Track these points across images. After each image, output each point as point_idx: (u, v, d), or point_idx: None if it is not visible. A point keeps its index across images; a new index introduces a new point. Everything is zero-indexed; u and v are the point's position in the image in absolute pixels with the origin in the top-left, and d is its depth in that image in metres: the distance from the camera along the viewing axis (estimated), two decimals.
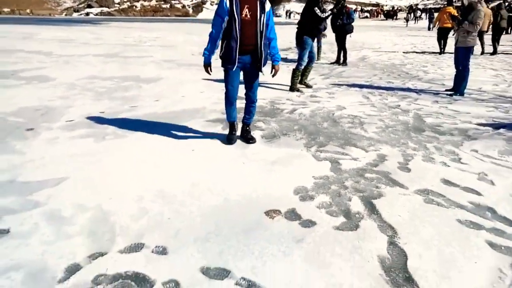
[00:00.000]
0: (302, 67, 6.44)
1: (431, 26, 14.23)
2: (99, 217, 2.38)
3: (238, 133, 3.91)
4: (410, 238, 2.19)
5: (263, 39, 3.40)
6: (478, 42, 8.38)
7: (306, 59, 6.42)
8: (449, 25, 11.44)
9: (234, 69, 3.47)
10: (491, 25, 12.53)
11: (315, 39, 8.16)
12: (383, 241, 2.16)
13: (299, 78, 6.54)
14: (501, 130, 4.33)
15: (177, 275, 1.85)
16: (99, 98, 5.78)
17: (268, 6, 3.40)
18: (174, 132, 4.16)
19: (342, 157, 3.47)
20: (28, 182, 2.87)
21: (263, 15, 3.33)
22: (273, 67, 3.65)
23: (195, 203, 2.58)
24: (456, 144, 3.83)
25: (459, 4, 9.60)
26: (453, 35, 6.95)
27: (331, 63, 10.10)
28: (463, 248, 2.11)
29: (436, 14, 19.10)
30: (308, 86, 6.78)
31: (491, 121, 4.73)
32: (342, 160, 3.38)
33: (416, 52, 13.23)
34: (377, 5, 76.57)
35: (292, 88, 6.46)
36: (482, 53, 12.50)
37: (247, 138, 3.82)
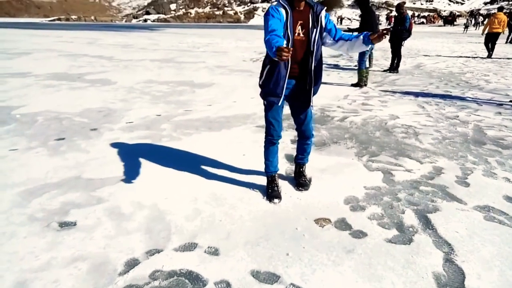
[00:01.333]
0: (364, 66, 7.38)
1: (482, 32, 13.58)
2: (155, 216, 2.51)
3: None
4: (469, 257, 2.09)
5: (314, 62, 2.57)
6: None
7: (365, 59, 7.43)
8: (499, 30, 11.77)
9: (278, 104, 2.68)
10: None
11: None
12: (439, 258, 2.08)
13: (366, 74, 7.48)
14: None
15: (228, 276, 1.90)
16: (155, 101, 6.07)
17: (323, 15, 2.56)
18: (226, 136, 4.27)
19: (395, 168, 3.37)
20: (92, 179, 3.09)
21: (315, 30, 2.52)
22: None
23: (246, 208, 2.64)
24: None
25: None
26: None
27: (384, 71, 9.84)
28: None
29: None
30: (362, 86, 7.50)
31: None
32: (395, 171, 3.28)
33: (477, 59, 12.49)
34: (434, 10, 73.27)
35: (358, 84, 7.47)
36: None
37: (300, 182, 3.01)
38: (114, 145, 3.96)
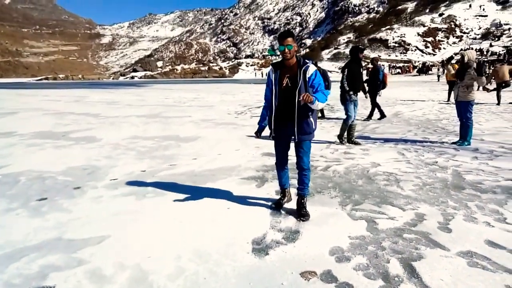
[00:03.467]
0: (350, 121, 6.76)
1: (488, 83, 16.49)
2: (138, 277, 2.45)
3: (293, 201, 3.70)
4: None
5: (300, 109, 3.20)
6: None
7: (352, 113, 6.74)
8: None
9: (276, 139, 3.51)
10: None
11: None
12: None
13: (347, 131, 6.90)
14: None
15: None
16: (140, 157, 6.10)
17: (311, 71, 3.20)
18: (210, 190, 4.28)
19: (378, 216, 3.41)
20: (73, 239, 3.03)
21: (300, 82, 3.18)
22: (304, 94, 3.05)
23: (230, 264, 2.60)
24: (500, 203, 3.67)
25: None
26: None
27: (364, 120, 10.20)
28: None
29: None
30: (356, 144, 6.84)
31: None
32: (378, 220, 3.32)
33: (452, 106, 13.05)
34: (408, 61, 77.36)
35: (340, 139, 6.94)
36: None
37: (300, 213, 3.42)
38: (97, 203, 3.92)
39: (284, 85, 3.26)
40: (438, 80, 35.98)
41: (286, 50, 3.18)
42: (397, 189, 4.19)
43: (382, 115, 10.24)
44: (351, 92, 6.62)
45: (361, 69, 7.05)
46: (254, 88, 32.09)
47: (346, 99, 6.74)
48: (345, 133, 6.91)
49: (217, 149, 6.59)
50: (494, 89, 14.05)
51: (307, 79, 3.21)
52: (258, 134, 3.63)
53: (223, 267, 2.55)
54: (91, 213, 3.62)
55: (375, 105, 10.31)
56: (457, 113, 6.95)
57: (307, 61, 3.32)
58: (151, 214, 3.57)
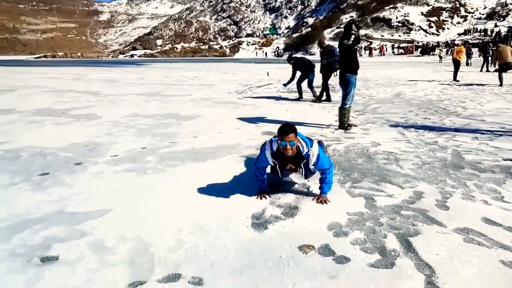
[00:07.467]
0: (348, 105, 6.25)
1: (490, 65, 17.34)
2: (139, 248, 2.49)
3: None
4: (449, 279, 2.12)
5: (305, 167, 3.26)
6: None
7: (351, 97, 6.24)
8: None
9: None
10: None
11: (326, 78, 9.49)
12: (420, 281, 2.11)
13: (348, 114, 6.36)
14: None
15: None
16: (141, 134, 6.11)
17: (313, 159, 3.16)
18: (210, 167, 4.31)
19: (377, 193, 3.44)
20: (75, 213, 3.07)
21: (303, 170, 3.28)
22: (318, 196, 3.28)
23: (230, 237, 2.65)
24: (498, 182, 3.69)
25: None
26: None
27: (313, 101, 9.97)
28: None
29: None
30: (354, 125, 6.55)
31: None
32: (377, 197, 3.35)
33: (454, 87, 12.98)
34: (411, 41, 76.37)
35: (343, 127, 6.31)
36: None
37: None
38: (98, 178, 3.96)
39: (288, 168, 3.34)
40: (440, 61, 35.56)
41: (288, 146, 3.03)
42: (396, 167, 4.21)
43: (327, 99, 9.90)
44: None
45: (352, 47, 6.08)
46: (255, 67, 31.80)
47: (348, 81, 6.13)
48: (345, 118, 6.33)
49: (217, 128, 6.59)
50: (496, 70, 13.95)
51: (311, 168, 3.26)
52: (266, 195, 3.38)
53: (223, 240, 2.60)
54: (92, 188, 3.65)
55: (326, 87, 9.91)
56: None
57: (306, 146, 3.16)
58: (151, 189, 3.61)
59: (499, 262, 2.29)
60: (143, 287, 2.06)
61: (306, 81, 10.40)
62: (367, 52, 67.59)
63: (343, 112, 6.30)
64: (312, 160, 3.15)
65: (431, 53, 54.12)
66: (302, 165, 3.22)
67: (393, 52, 68.62)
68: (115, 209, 3.13)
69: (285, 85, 10.71)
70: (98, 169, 4.28)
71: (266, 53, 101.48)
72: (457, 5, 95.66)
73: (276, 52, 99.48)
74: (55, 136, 5.98)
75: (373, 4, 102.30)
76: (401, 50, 67.52)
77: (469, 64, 26.31)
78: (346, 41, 5.94)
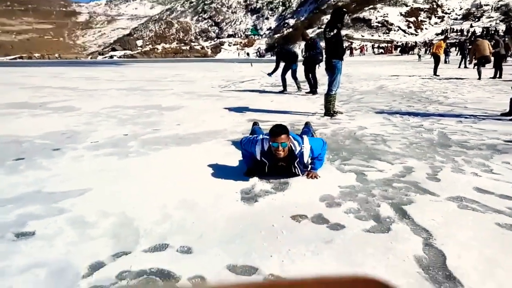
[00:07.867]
0: (334, 92, 6.14)
1: (467, 61, 18.28)
2: (122, 222, 2.35)
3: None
4: (447, 240, 2.06)
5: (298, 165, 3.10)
6: None
7: (337, 83, 6.12)
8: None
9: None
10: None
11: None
12: (418, 243, 2.04)
13: (334, 101, 6.26)
14: None
15: (203, 271, 1.78)
16: (123, 123, 5.91)
17: (306, 156, 3.05)
18: (196, 150, 4.18)
19: (367, 169, 3.38)
20: (53, 192, 2.90)
21: (294, 167, 3.09)
22: (309, 172, 3.20)
23: (219, 211, 2.53)
24: (486, 157, 3.69)
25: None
26: None
27: (307, 93, 9.94)
28: (506, 249, 1.97)
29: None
30: (340, 113, 6.48)
31: None
32: (367, 172, 3.29)
33: (435, 80, 13.17)
34: (391, 41, 77.68)
35: (329, 113, 6.23)
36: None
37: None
38: (77, 162, 3.77)
39: (279, 165, 3.10)
40: (419, 60, 36.23)
41: (280, 148, 2.91)
42: (384, 147, 4.18)
43: (311, 91, 9.89)
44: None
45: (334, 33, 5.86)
46: (237, 66, 31.64)
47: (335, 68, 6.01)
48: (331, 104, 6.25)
49: (201, 117, 6.44)
50: (475, 65, 14.24)
51: (305, 162, 3.09)
52: (250, 173, 3.24)
53: (212, 215, 2.47)
54: (71, 171, 3.47)
55: (315, 79, 9.89)
56: None
57: (298, 144, 3.04)
58: (134, 171, 3.45)
59: (495, 225, 2.25)
60: (128, 257, 1.92)
61: (289, 72, 10.34)
62: (348, 52, 68.34)
63: (329, 99, 6.23)
64: (306, 155, 3.04)
65: (410, 52, 55.19)
66: (295, 163, 3.06)
67: (373, 52, 69.71)
68: (96, 188, 2.97)
69: (269, 74, 10.61)
70: (77, 153, 4.09)
71: (248, 54, 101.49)
72: (435, 6, 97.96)
73: (258, 53, 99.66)
74: (31, 126, 5.72)
75: (353, 5, 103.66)
76: (381, 50, 68.66)
77: (447, 62, 26.88)
78: (327, 32, 5.86)
